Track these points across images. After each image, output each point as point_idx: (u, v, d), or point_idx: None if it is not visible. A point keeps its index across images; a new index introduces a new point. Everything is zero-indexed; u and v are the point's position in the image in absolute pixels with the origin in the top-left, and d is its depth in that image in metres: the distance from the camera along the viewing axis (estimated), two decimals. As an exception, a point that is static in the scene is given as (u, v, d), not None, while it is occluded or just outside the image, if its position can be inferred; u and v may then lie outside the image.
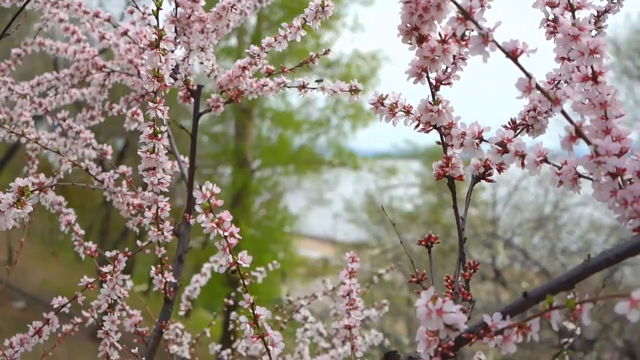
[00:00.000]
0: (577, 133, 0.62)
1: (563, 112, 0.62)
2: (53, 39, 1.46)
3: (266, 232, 10.50)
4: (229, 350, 1.54)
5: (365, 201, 9.61)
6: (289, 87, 1.16)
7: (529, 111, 0.83)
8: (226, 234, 0.77)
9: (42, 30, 1.45)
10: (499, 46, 0.61)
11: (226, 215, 0.78)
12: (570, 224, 7.21)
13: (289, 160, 10.59)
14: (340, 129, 10.54)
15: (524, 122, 0.83)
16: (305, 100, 10.32)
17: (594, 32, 0.87)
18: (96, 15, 1.27)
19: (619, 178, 0.62)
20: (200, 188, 0.76)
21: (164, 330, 1.17)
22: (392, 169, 10.43)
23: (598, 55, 0.64)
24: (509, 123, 0.83)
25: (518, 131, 0.83)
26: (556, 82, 0.83)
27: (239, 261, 0.78)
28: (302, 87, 1.14)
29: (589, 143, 0.61)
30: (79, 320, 1.25)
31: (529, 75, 0.61)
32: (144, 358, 1.09)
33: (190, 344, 1.53)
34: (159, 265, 1.13)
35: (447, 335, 0.62)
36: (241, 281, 0.79)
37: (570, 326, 1.25)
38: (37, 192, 0.80)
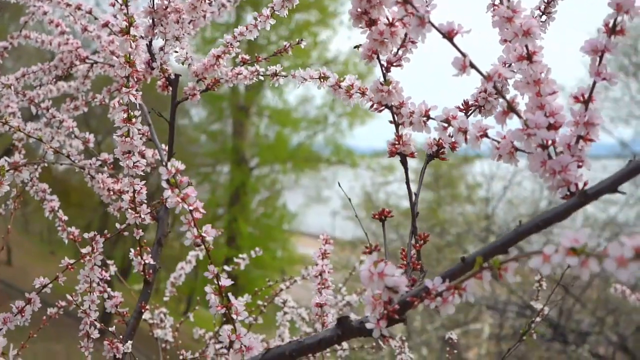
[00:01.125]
0: (510, 108, 0.66)
1: (495, 88, 0.66)
2: (48, 34, 1.50)
3: (265, 230, 10.54)
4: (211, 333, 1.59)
5: (363, 198, 9.66)
6: (262, 75, 1.20)
7: (480, 92, 0.87)
8: (191, 208, 0.81)
9: (28, 24, 1.50)
10: (435, 27, 0.65)
11: (191, 191, 0.82)
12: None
13: (287, 158, 10.64)
14: (337, 127, 10.59)
15: (476, 103, 0.87)
16: (302, 98, 10.37)
17: (543, 18, 0.91)
18: (78, 7, 1.31)
19: (550, 150, 0.66)
20: (166, 165, 0.80)
21: (143, 310, 1.21)
22: (389, 167, 10.48)
23: (531, 36, 0.68)
24: (462, 104, 0.87)
25: (470, 112, 0.87)
26: (507, 64, 0.87)
27: (203, 234, 0.82)
28: (275, 74, 1.19)
29: (520, 117, 0.66)
30: (63, 303, 1.30)
31: (463, 55, 0.65)
32: (121, 336, 1.13)
33: (173, 327, 1.57)
34: (138, 248, 1.17)
35: (390, 298, 0.67)
36: (206, 253, 0.83)
37: (538, 306, 1.29)
38: (11, 171, 0.84)
